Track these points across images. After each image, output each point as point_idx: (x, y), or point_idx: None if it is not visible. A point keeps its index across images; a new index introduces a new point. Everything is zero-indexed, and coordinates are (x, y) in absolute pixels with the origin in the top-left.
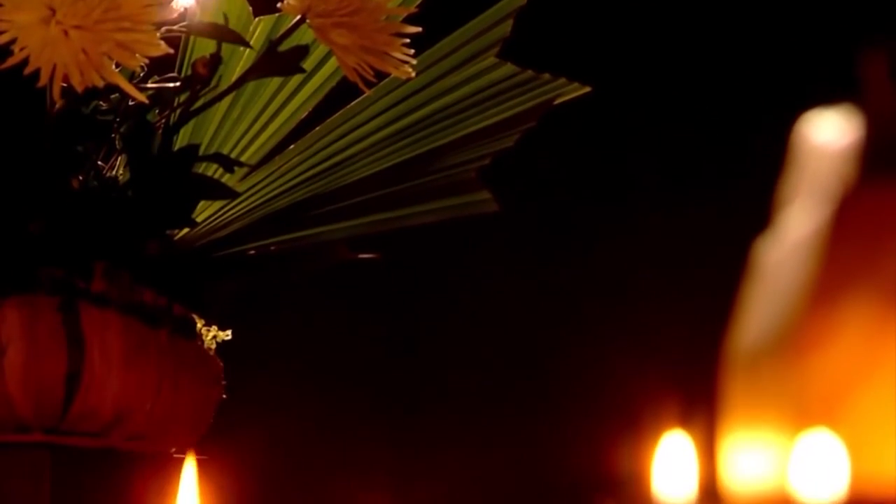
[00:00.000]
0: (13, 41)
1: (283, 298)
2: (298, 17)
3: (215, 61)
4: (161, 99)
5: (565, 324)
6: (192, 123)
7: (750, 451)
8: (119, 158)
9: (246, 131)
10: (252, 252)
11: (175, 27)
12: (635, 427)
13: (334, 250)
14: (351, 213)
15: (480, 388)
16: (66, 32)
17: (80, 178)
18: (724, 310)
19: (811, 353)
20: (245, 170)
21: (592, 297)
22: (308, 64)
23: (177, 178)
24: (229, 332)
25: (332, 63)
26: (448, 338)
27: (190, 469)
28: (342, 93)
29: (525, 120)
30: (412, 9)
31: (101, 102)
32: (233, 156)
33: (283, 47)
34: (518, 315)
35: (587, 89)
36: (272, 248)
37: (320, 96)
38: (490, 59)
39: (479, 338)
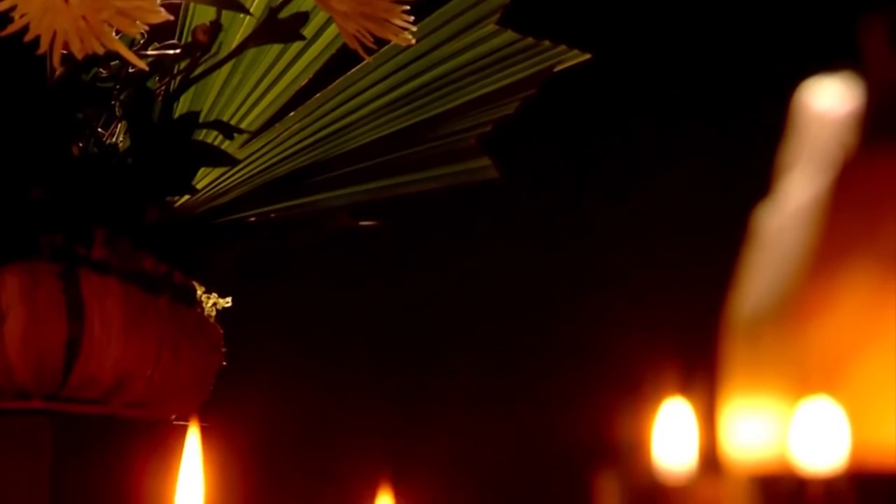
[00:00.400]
0: (13, 8)
1: (283, 265)
2: None
3: (215, 28)
4: (161, 66)
5: (565, 291)
6: (192, 90)
7: (750, 418)
8: (119, 125)
9: (246, 98)
10: (252, 219)
11: None
12: (635, 394)
13: (334, 217)
14: (351, 180)
15: (480, 355)
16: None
17: (80, 145)
18: (724, 277)
19: (811, 321)
20: (245, 137)
21: (592, 265)
22: (308, 31)
23: (177, 145)
24: (230, 299)
25: (332, 30)
26: (448, 305)
27: (191, 436)
28: (342, 60)
29: (525, 87)
30: None
31: (101, 69)
32: (233, 123)
33: (283, 14)
34: (518, 283)
35: (587, 57)
36: (272, 215)
37: (320, 63)
38: (490, 27)
39: (478, 305)
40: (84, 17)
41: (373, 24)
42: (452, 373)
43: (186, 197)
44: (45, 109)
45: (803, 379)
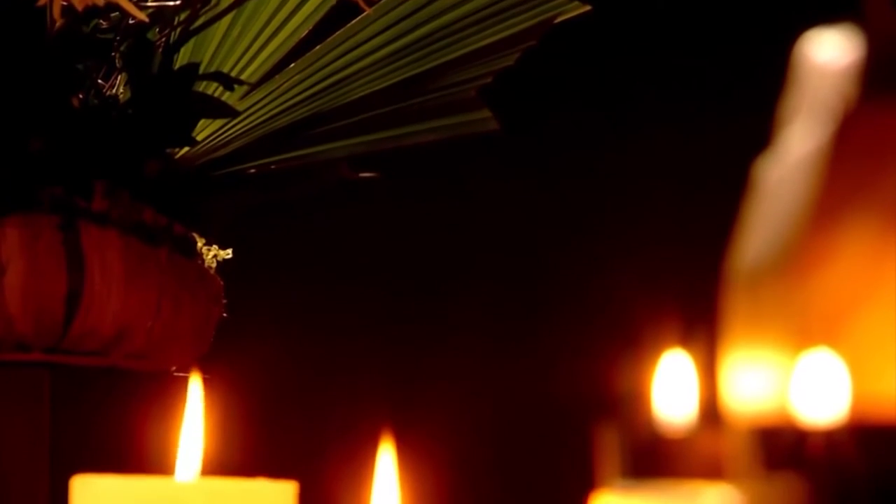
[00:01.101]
0: None
1: (283, 217)
2: None
3: None
4: (161, 17)
5: (565, 242)
6: (192, 42)
7: (750, 370)
8: (119, 77)
9: (246, 50)
10: (252, 171)
11: None
12: (635, 347)
13: (335, 169)
14: (351, 131)
15: (479, 306)
16: None
17: (80, 96)
18: (724, 229)
19: (812, 273)
20: (245, 88)
21: (592, 216)
22: None
23: (177, 97)
24: (230, 250)
25: None
26: (447, 254)
27: (191, 387)
28: (342, 11)
29: (526, 38)
30: None
31: (101, 21)
32: (233, 74)
33: None
34: (517, 233)
35: (588, 8)
36: (272, 166)
37: (320, 15)
38: None
39: (477, 255)
40: None
41: None
42: (452, 324)
43: (186, 149)
44: (45, 61)
45: (804, 331)
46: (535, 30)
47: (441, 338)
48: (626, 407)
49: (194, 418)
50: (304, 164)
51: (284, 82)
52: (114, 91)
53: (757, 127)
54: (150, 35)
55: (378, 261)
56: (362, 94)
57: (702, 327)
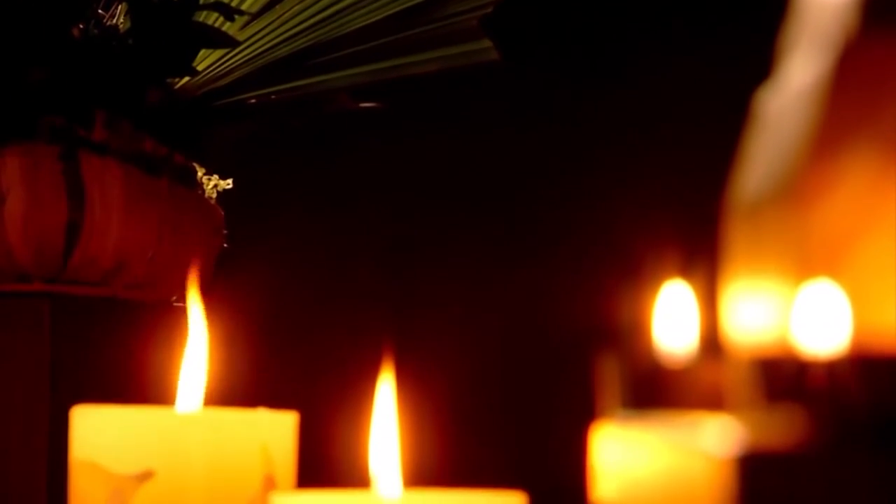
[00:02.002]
0: None
1: (284, 147)
2: None
3: None
4: None
5: (565, 173)
6: None
7: (751, 301)
8: (119, 7)
9: None
10: (253, 101)
11: None
12: (636, 277)
13: (335, 99)
14: (352, 61)
15: (480, 237)
16: None
17: (81, 26)
18: (725, 160)
19: (813, 204)
20: (246, 18)
21: (592, 147)
22: None
23: (177, 27)
24: (230, 180)
25: None
26: (448, 185)
27: (191, 317)
28: None
29: None
30: None
31: None
32: (233, 4)
33: None
34: (517, 165)
35: None
36: (273, 96)
37: None
38: None
39: (478, 186)
40: None
41: None
42: (452, 255)
43: (187, 79)
44: None
45: (805, 262)
46: None
47: (441, 269)
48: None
49: (195, 349)
50: (305, 95)
51: (285, 12)
52: (114, 21)
53: (758, 57)
54: None
55: (378, 191)
56: (363, 23)
57: (702, 258)
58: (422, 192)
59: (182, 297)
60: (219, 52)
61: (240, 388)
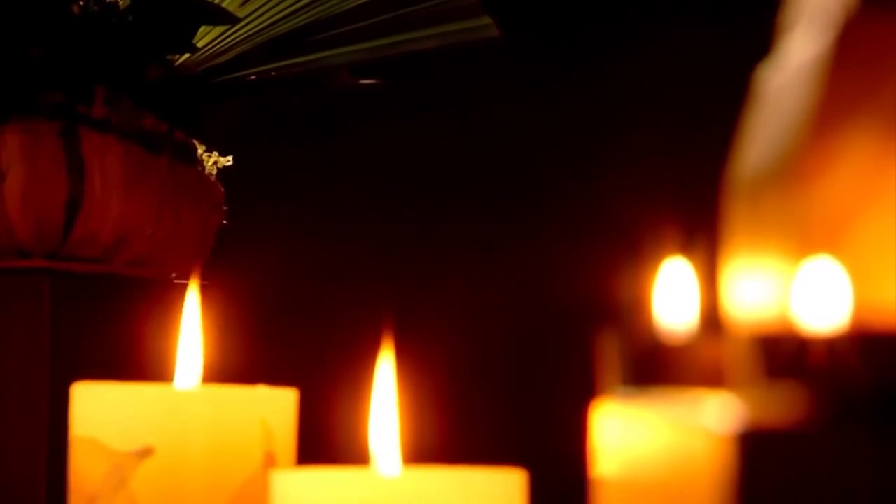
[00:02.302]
0: None
1: (284, 124)
2: None
3: None
4: None
5: (565, 149)
6: None
7: (752, 278)
8: None
9: None
10: (253, 77)
11: None
12: (636, 253)
13: (335, 76)
14: (352, 38)
15: (479, 213)
16: None
17: (81, 2)
18: (725, 136)
19: (814, 180)
20: None
21: (593, 123)
22: None
23: (177, 3)
24: (230, 157)
25: None
26: (447, 161)
27: (191, 294)
28: None
29: None
30: None
31: None
32: None
33: None
34: (518, 140)
35: None
36: (273, 73)
37: None
38: None
39: (477, 162)
40: None
41: None
42: (452, 231)
43: (187, 55)
44: None
45: (805, 238)
46: None
47: (441, 245)
48: (626, 314)
49: (194, 325)
50: (305, 71)
51: None
52: None
53: (757, 34)
54: None
55: (379, 167)
56: (362, 0)
57: (703, 234)
58: (422, 170)
59: (182, 274)
60: (219, 29)
61: (240, 364)
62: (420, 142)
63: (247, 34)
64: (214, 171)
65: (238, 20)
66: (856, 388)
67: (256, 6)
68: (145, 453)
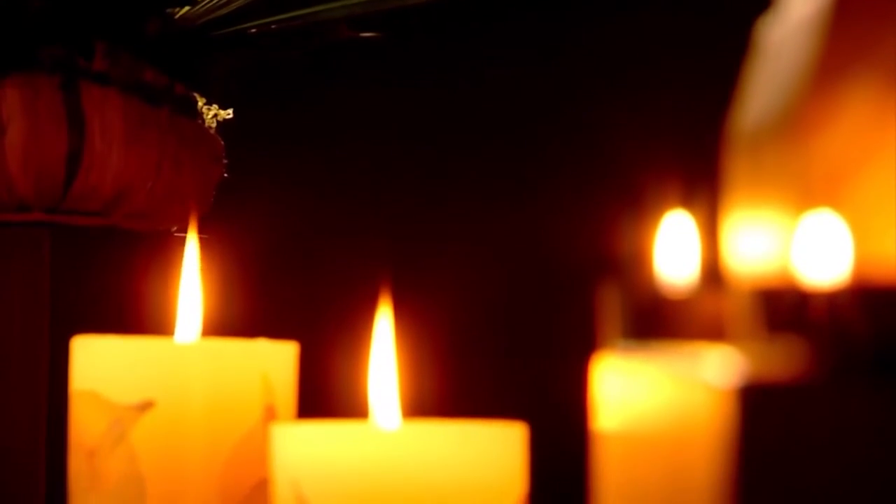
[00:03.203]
0: None
1: (284, 77)
2: None
3: None
4: None
5: (565, 103)
6: None
7: (752, 232)
8: None
9: None
10: (253, 30)
11: None
12: (636, 207)
13: (335, 29)
14: None
15: (479, 166)
16: None
17: None
18: (725, 90)
19: (814, 134)
20: None
21: (593, 76)
22: None
23: None
24: (230, 110)
25: None
26: (447, 115)
27: (191, 248)
28: None
29: None
30: None
31: None
32: None
33: None
34: (518, 93)
35: None
36: (273, 26)
37: None
38: None
39: (477, 115)
40: None
41: None
42: (451, 185)
43: (187, 8)
44: None
45: (806, 192)
46: None
47: (440, 199)
48: (627, 268)
49: (194, 279)
50: (305, 24)
51: None
52: None
53: None
54: None
55: (378, 122)
56: None
57: (703, 188)
58: (422, 124)
59: (182, 227)
60: None
61: (240, 318)
62: (420, 96)
63: None
64: (214, 125)
65: None
66: (856, 342)
67: None
68: (145, 406)
